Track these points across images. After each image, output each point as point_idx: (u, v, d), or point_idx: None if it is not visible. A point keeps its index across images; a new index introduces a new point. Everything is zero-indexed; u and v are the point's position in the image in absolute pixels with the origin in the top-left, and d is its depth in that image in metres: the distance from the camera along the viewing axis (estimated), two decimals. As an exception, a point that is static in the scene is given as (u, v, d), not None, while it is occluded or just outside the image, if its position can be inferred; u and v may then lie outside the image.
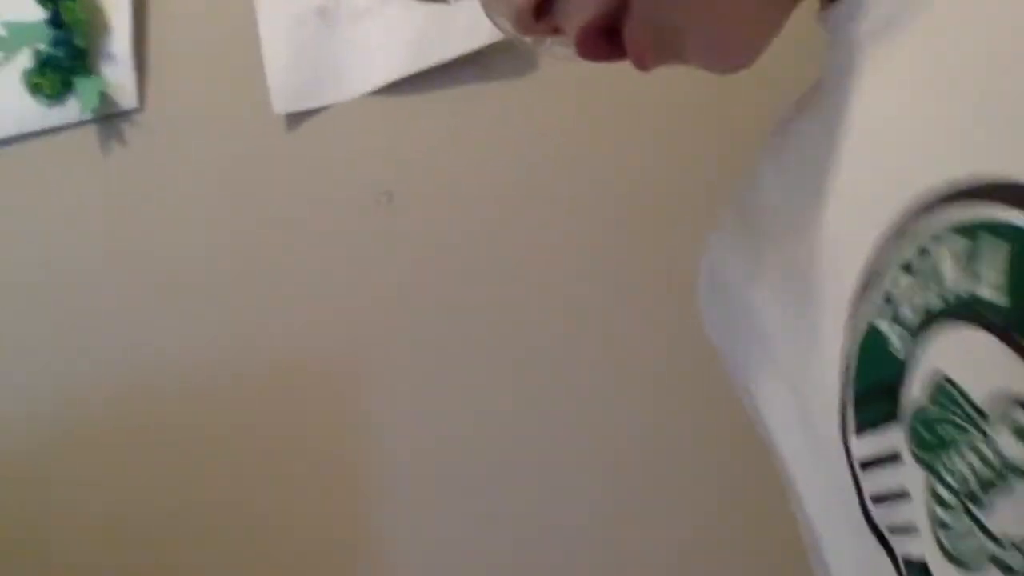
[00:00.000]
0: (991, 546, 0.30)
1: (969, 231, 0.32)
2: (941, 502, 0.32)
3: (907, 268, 0.35)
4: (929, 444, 0.33)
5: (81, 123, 1.14)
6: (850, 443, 0.38)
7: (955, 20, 0.35)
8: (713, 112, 0.89)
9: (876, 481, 0.37)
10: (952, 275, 0.32)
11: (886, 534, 0.37)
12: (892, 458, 0.35)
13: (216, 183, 1.10)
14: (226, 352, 1.10)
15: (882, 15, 0.40)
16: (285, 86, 1.06)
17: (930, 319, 0.33)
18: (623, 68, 0.47)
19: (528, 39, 0.47)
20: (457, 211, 1.01)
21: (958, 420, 0.31)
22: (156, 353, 1.11)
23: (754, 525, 0.88)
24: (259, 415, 1.08)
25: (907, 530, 0.35)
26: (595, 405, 0.96)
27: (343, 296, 1.06)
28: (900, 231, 0.35)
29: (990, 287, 0.30)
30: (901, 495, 0.35)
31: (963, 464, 0.31)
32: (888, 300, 0.36)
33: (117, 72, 1.12)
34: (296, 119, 1.06)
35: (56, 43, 1.12)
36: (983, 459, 0.30)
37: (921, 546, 0.34)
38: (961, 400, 0.31)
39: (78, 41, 1.12)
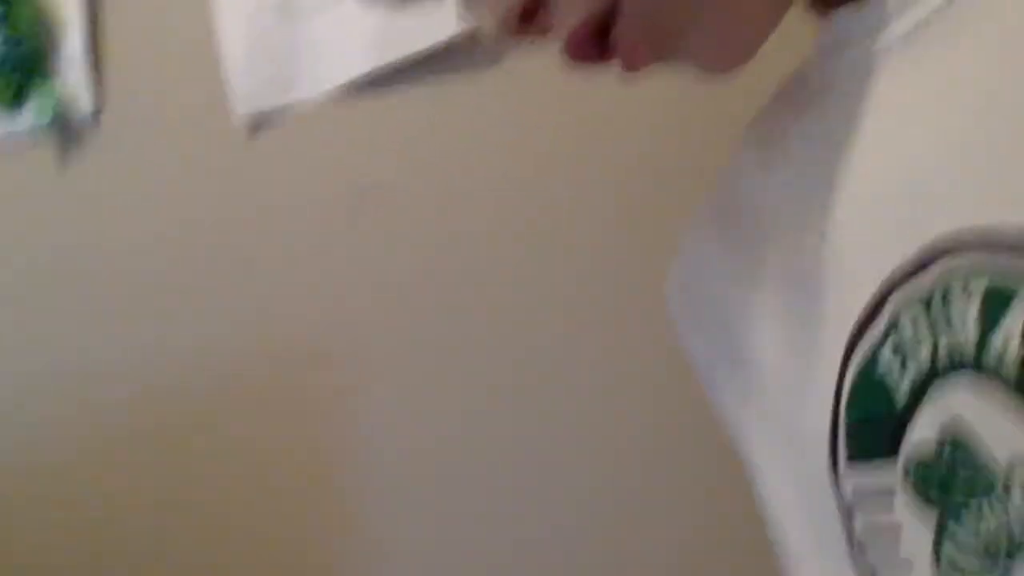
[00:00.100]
0: None
1: (998, 285, 0.32)
2: (957, 545, 0.32)
3: (926, 307, 0.35)
4: (943, 487, 0.33)
5: (37, 129, 1.11)
6: (840, 471, 0.38)
7: (1002, 52, 0.34)
8: (686, 103, 0.88)
9: (866, 514, 0.37)
10: (976, 327, 0.33)
11: (875, 567, 0.37)
12: (885, 492, 0.35)
13: (181, 186, 1.09)
14: (193, 359, 1.09)
15: (912, 30, 0.39)
16: (246, 85, 1.04)
17: (948, 365, 0.34)
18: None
19: (510, 39, 0.44)
20: (428, 209, 1.00)
21: (978, 474, 0.31)
22: (119, 362, 1.10)
23: (754, 530, 0.88)
24: (230, 421, 1.07)
25: (899, 566, 0.35)
26: (587, 405, 0.96)
27: (315, 299, 1.05)
28: (919, 267, 0.35)
29: (1018, 346, 0.31)
30: (892, 530, 0.35)
31: (986, 520, 0.31)
32: (899, 335, 0.36)
33: (72, 75, 1.10)
34: (261, 119, 1.04)
35: (6, 50, 1.10)
36: (1007, 520, 0.30)
37: None
38: (982, 455, 0.31)
39: (29, 44, 1.10)
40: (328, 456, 1.05)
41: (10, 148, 1.13)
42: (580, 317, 0.96)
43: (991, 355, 0.32)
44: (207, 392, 1.08)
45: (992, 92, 0.34)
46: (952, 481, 0.33)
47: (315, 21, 1.02)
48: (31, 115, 1.11)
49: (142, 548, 1.10)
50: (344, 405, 1.04)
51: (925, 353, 0.35)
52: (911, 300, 0.35)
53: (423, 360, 1.01)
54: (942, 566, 0.33)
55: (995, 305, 0.32)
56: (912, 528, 0.34)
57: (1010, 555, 0.31)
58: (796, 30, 0.45)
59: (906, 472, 0.34)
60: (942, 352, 0.34)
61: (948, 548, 0.33)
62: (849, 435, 0.38)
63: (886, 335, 0.37)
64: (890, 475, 0.35)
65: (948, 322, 0.34)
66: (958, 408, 0.33)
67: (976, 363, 0.32)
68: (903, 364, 0.36)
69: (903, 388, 0.35)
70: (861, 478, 0.37)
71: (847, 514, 0.38)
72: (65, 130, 1.11)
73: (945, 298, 0.34)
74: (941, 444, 0.33)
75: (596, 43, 0.43)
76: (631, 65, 0.44)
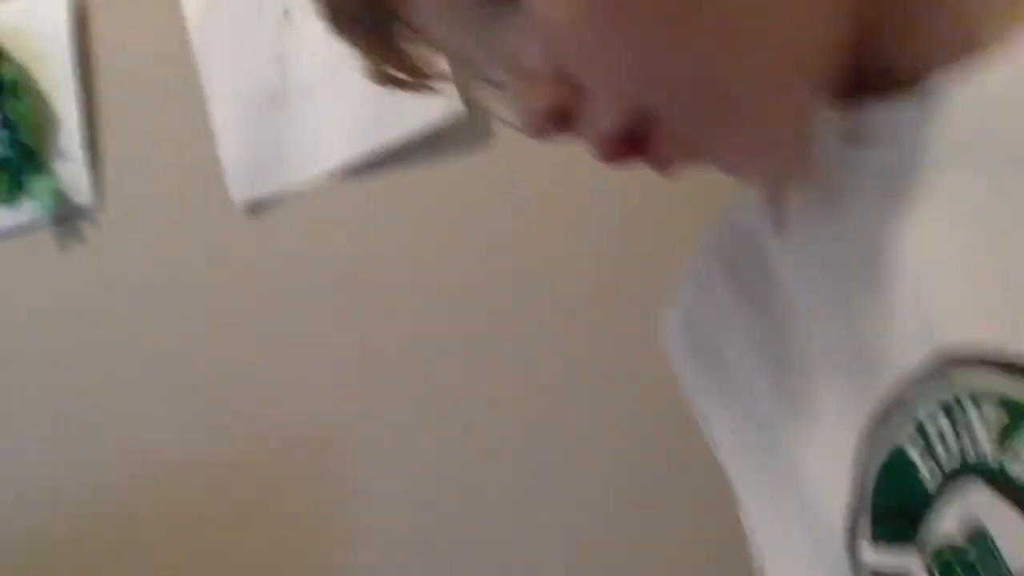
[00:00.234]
0: None
1: (1008, 406, 0.34)
2: None
3: (947, 411, 0.36)
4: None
5: (37, 223, 1.12)
6: (860, 547, 0.40)
7: None
8: (674, 190, 0.89)
9: None
10: (988, 442, 0.34)
11: None
12: (904, 574, 0.38)
13: (179, 274, 1.10)
14: (194, 443, 1.09)
15: (967, 140, 0.38)
16: (242, 172, 1.06)
17: (966, 469, 0.35)
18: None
19: (540, 137, 0.44)
20: (421, 289, 1.01)
21: (998, 573, 0.34)
22: (118, 449, 1.11)
23: None
24: (228, 502, 1.07)
25: None
26: (583, 483, 0.97)
27: (312, 381, 1.06)
28: (937, 372, 0.37)
29: (1008, 456, 0.33)
30: None
31: None
32: (921, 432, 0.37)
33: (70, 169, 1.11)
34: (256, 205, 1.06)
35: (5, 143, 1.11)
36: None
37: None
38: (1000, 559, 0.34)
39: (26, 139, 1.11)
40: (317, 536, 1.05)
41: (10, 239, 1.14)
42: (556, 396, 0.97)
43: (1007, 467, 0.34)
44: (207, 473, 1.08)
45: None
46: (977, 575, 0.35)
47: (306, 107, 1.03)
48: (30, 207, 1.12)
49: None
50: (326, 486, 1.05)
51: (945, 455, 0.36)
52: (931, 401, 0.37)
53: (413, 438, 1.02)
54: None
55: (1002, 425, 0.34)
56: None
57: None
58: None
59: (932, 561, 0.37)
60: (964, 456, 0.35)
61: None
62: (875, 519, 0.39)
63: (912, 433, 0.38)
64: (910, 558, 0.37)
65: (963, 431, 0.35)
66: (978, 510, 0.34)
67: (994, 472, 0.34)
68: (926, 460, 0.37)
69: (928, 483, 0.37)
70: (882, 557, 0.39)
71: None
72: (64, 221, 1.12)
73: (960, 407, 0.35)
74: (964, 541, 0.35)
75: (628, 143, 0.43)
76: (664, 168, 0.44)
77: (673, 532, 0.95)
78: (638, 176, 0.87)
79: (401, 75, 0.47)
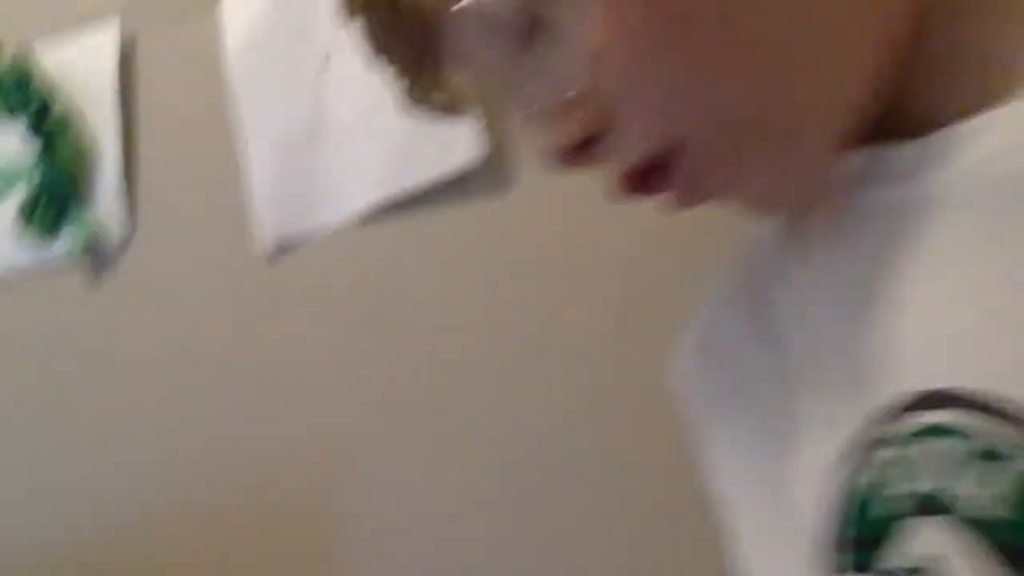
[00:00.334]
0: None
1: (974, 444, 0.34)
2: None
3: (901, 446, 0.37)
4: None
5: (70, 255, 1.15)
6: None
7: None
8: (692, 234, 0.89)
9: None
10: (934, 475, 0.35)
11: None
12: None
13: (207, 310, 1.12)
14: (219, 476, 1.10)
15: (964, 178, 0.39)
16: (271, 212, 1.07)
17: (917, 502, 0.36)
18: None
19: (564, 167, 0.45)
20: (444, 334, 1.02)
21: None
22: (150, 480, 1.12)
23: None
24: (249, 539, 1.08)
25: None
26: (579, 519, 0.96)
27: (334, 422, 1.06)
28: (898, 407, 0.38)
29: (966, 491, 0.34)
30: None
31: None
32: (876, 466, 0.38)
33: (107, 204, 1.14)
34: (283, 244, 1.07)
35: (47, 179, 1.14)
36: None
37: None
38: None
39: (68, 176, 1.14)
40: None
41: (45, 273, 1.17)
42: (574, 434, 0.97)
43: (961, 506, 0.34)
44: (229, 509, 1.09)
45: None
46: None
47: (338, 149, 1.05)
48: (66, 242, 1.15)
49: None
50: (369, 521, 1.05)
51: (900, 489, 0.37)
52: (890, 437, 0.38)
53: (431, 479, 1.02)
54: None
55: (983, 464, 0.34)
56: None
57: None
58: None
59: None
60: (914, 490, 0.36)
61: None
62: (840, 550, 0.40)
63: (869, 466, 0.39)
64: None
65: (919, 463, 0.36)
66: (927, 544, 0.35)
67: (942, 504, 0.35)
68: (901, 495, 0.37)
69: (884, 517, 0.37)
70: None
71: None
72: (97, 257, 1.15)
73: (940, 446, 0.36)
74: (916, 574, 0.36)
75: (651, 179, 0.44)
76: (687, 203, 0.45)
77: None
78: (659, 220, 0.88)
79: (435, 100, 0.49)
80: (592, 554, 0.96)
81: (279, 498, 1.07)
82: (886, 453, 0.38)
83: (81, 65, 1.14)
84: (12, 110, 1.15)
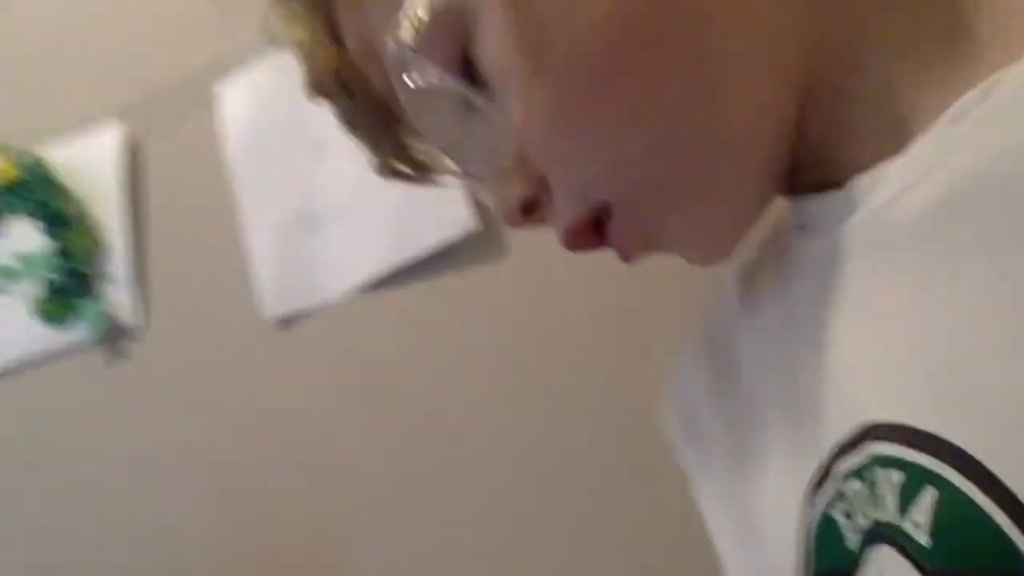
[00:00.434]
0: None
1: (906, 468, 0.36)
2: None
3: (861, 479, 0.39)
4: None
5: (86, 342, 1.20)
6: None
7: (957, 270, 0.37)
8: (685, 289, 0.89)
9: None
10: (892, 506, 0.37)
11: None
12: None
13: (217, 390, 1.15)
14: (232, 548, 1.12)
15: (870, 222, 0.41)
16: (274, 292, 1.11)
17: (878, 532, 0.38)
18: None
19: (513, 226, 0.49)
20: (441, 400, 1.04)
21: None
22: (168, 556, 1.14)
23: None
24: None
25: None
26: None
27: (339, 486, 1.08)
28: (857, 444, 0.39)
29: (912, 523, 0.36)
30: None
31: None
32: (843, 499, 0.40)
33: (118, 292, 1.19)
34: (288, 322, 1.11)
35: (61, 271, 1.20)
36: None
37: None
38: None
39: (81, 267, 1.20)
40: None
41: (61, 358, 1.21)
42: (575, 496, 0.98)
43: (905, 536, 0.36)
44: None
45: (940, 302, 0.37)
46: None
47: (334, 229, 1.09)
48: (81, 329, 1.20)
49: None
50: None
51: (862, 520, 0.39)
52: (852, 473, 0.39)
53: (435, 546, 1.03)
54: None
55: (908, 494, 0.36)
56: None
57: None
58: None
59: None
60: (875, 524, 0.38)
61: None
62: None
63: (835, 500, 0.41)
64: None
65: (879, 499, 0.38)
66: (889, 572, 0.37)
67: (899, 533, 0.36)
68: (850, 528, 0.40)
69: (852, 547, 0.40)
70: None
71: None
72: (110, 341, 1.19)
73: (875, 478, 0.38)
74: None
75: (592, 233, 0.47)
76: (624, 256, 0.48)
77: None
78: (652, 281, 0.90)
79: (402, 171, 0.52)
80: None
81: (292, 556, 1.09)
82: (847, 485, 0.40)
83: (87, 165, 1.20)
84: (25, 210, 1.21)
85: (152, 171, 1.20)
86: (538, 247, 0.54)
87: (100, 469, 1.19)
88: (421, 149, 0.52)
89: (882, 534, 0.38)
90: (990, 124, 0.36)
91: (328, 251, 1.09)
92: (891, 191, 0.40)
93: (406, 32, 0.42)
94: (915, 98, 0.41)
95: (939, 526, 0.35)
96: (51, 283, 1.21)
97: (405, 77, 0.43)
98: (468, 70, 0.43)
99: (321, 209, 1.10)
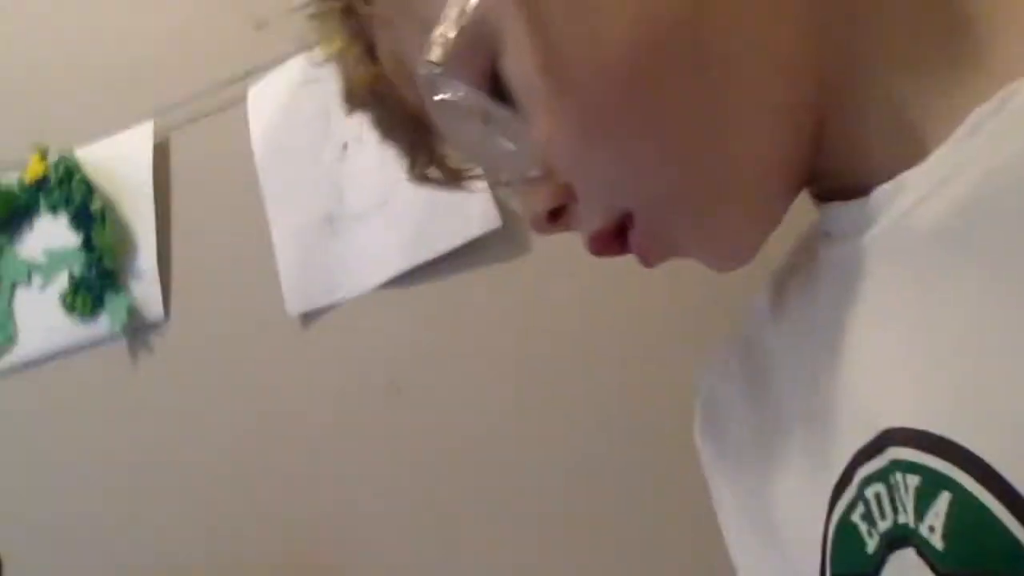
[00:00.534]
0: None
1: (923, 473, 0.37)
2: None
3: (882, 483, 0.40)
4: None
5: (112, 336, 1.22)
6: None
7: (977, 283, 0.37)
8: (704, 290, 0.90)
9: None
10: (911, 509, 0.38)
11: None
12: None
13: (238, 385, 1.17)
14: (255, 544, 1.14)
15: (890, 231, 0.42)
16: (297, 289, 1.12)
17: (898, 536, 0.39)
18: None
19: (540, 232, 0.50)
20: (461, 396, 1.05)
21: None
22: (186, 553, 1.16)
23: None
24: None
25: None
26: None
27: (357, 483, 1.10)
28: (877, 449, 0.40)
29: (928, 527, 0.36)
30: None
31: None
32: (864, 503, 0.41)
33: (144, 287, 1.21)
34: (309, 318, 1.13)
35: (88, 266, 1.22)
36: None
37: None
38: None
39: (108, 263, 1.22)
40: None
41: (89, 351, 1.24)
42: (596, 503, 0.98)
43: (922, 540, 0.37)
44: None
45: (952, 314, 0.38)
46: None
47: (357, 229, 1.10)
48: (107, 322, 1.22)
49: None
50: None
51: (881, 523, 0.40)
52: (873, 477, 0.40)
53: (448, 548, 1.04)
54: None
55: (924, 498, 0.37)
56: None
57: None
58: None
59: None
60: (895, 527, 0.39)
61: None
62: None
63: (855, 504, 0.41)
64: None
65: (899, 503, 0.38)
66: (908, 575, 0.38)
67: (917, 536, 0.37)
68: (870, 532, 0.40)
69: (872, 552, 0.40)
70: None
71: None
72: (136, 335, 1.22)
73: (895, 482, 0.39)
74: None
75: (616, 241, 0.48)
76: (645, 262, 0.49)
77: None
78: (675, 281, 0.90)
79: (434, 176, 0.54)
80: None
81: (311, 555, 1.11)
82: (868, 489, 0.40)
83: (119, 164, 1.22)
84: (55, 207, 1.23)
85: (180, 170, 1.21)
86: (560, 244, 0.55)
87: (123, 459, 1.21)
88: (454, 158, 0.54)
89: (902, 538, 0.38)
90: (1005, 135, 0.37)
91: (352, 250, 1.11)
92: (910, 200, 0.40)
93: (435, 51, 0.44)
94: (924, 106, 0.41)
95: (952, 530, 0.35)
96: (79, 278, 1.23)
97: (435, 94, 0.45)
98: (496, 86, 0.44)
99: (346, 209, 1.11)
